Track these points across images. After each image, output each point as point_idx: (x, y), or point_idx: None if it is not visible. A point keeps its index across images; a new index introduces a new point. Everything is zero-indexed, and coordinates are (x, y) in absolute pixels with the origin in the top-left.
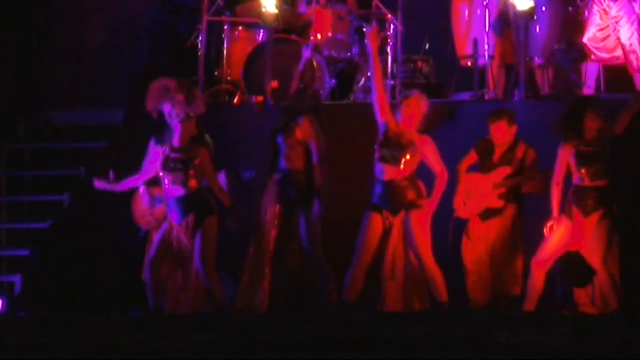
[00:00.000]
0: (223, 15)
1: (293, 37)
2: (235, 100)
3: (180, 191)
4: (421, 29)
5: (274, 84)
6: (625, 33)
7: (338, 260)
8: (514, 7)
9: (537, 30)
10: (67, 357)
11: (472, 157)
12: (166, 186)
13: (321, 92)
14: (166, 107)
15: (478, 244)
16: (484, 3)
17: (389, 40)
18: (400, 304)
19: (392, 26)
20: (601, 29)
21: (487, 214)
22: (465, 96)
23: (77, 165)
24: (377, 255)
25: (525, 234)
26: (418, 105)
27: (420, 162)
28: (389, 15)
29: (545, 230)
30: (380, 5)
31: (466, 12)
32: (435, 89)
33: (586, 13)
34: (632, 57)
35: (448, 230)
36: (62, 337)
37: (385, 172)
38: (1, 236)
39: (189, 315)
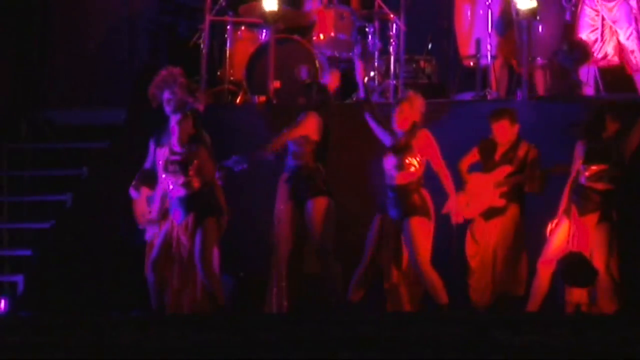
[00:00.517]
0: (226, 15)
1: (296, 37)
2: (237, 101)
3: (182, 192)
4: (424, 29)
5: (277, 84)
6: (624, 33)
7: (343, 259)
8: (516, 7)
9: (540, 30)
10: (68, 357)
11: (473, 155)
12: (170, 188)
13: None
14: (166, 94)
15: (482, 244)
16: (487, 3)
17: (391, 40)
18: (404, 305)
19: (394, 26)
20: (593, 31)
21: (490, 213)
22: (467, 96)
23: (79, 165)
24: (384, 258)
25: (526, 234)
26: (412, 108)
27: (426, 164)
28: (392, 15)
29: (547, 231)
30: (382, 5)
31: (469, 12)
32: (437, 89)
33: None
34: (632, 56)
35: (452, 232)
36: (63, 337)
37: (393, 177)
38: (3, 236)
39: (189, 315)
